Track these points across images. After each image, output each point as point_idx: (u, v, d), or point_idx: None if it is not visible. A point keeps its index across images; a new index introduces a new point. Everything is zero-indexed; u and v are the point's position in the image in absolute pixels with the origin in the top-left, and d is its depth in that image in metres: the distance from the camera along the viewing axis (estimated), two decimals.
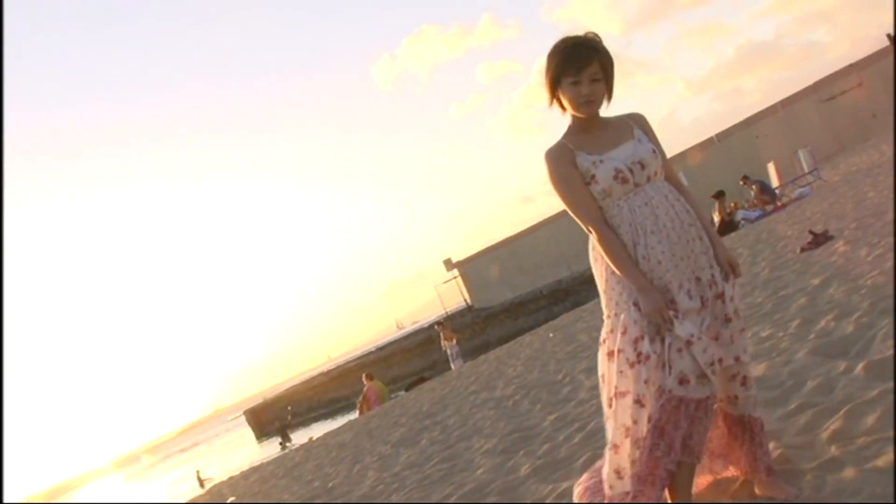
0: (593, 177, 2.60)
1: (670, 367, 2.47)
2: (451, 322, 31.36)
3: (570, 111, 2.65)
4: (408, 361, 38.39)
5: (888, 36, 25.86)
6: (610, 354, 2.62)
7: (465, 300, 39.68)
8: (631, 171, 2.60)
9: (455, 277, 38.86)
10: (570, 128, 2.70)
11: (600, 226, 2.59)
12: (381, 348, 42.83)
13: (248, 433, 44.73)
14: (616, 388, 2.57)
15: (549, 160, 2.65)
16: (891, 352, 3.46)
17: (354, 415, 18.46)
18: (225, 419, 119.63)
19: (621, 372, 2.55)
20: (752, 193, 16.01)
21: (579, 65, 2.55)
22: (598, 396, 5.27)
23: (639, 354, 2.51)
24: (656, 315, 2.48)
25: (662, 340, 2.50)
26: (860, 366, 3.48)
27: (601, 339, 2.69)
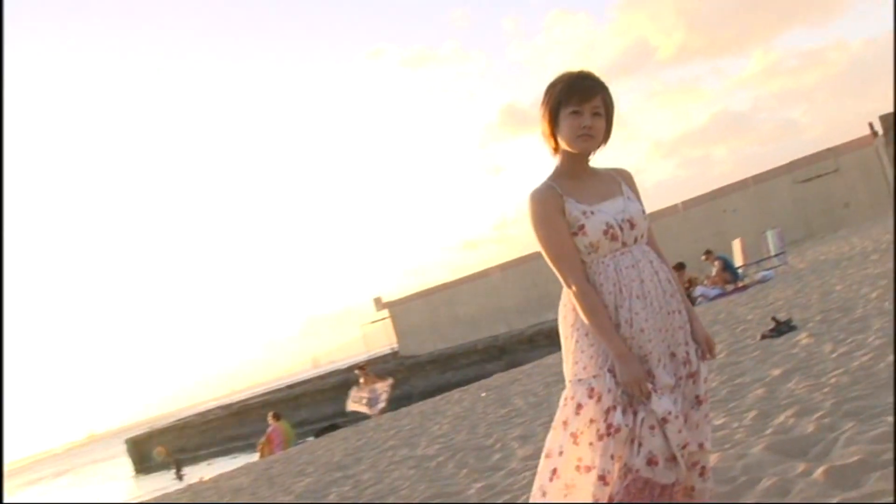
0: (582, 227, 2.60)
1: (640, 445, 2.48)
2: (373, 368, 31.08)
3: (563, 148, 2.66)
4: (319, 405, 37.86)
5: (870, 125, 27.17)
6: (583, 426, 2.59)
7: (392, 345, 39.50)
8: (621, 228, 2.62)
9: (384, 319, 38.69)
10: (557, 170, 2.70)
11: (582, 282, 2.59)
12: (291, 386, 42.20)
13: (127, 465, 43.28)
14: (580, 460, 2.56)
15: (535, 201, 2.63)
16: (854, 458, 3.53)
17: (254, 457, 18.05)
18: (103, 446, 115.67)
19: (590, 444, 2.54)
20: (714, 270, 16.41)
21: (583, 94, 2.58)
22: (532, 468, 5.25)
23: (609, 426, 2.50)
24: (634, 386, 2.48)
25: (635, 414, 2.50)
26: (820, 470, 3.54)
27: (562, 401, 2.67)
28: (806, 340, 6.99)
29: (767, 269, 16.69)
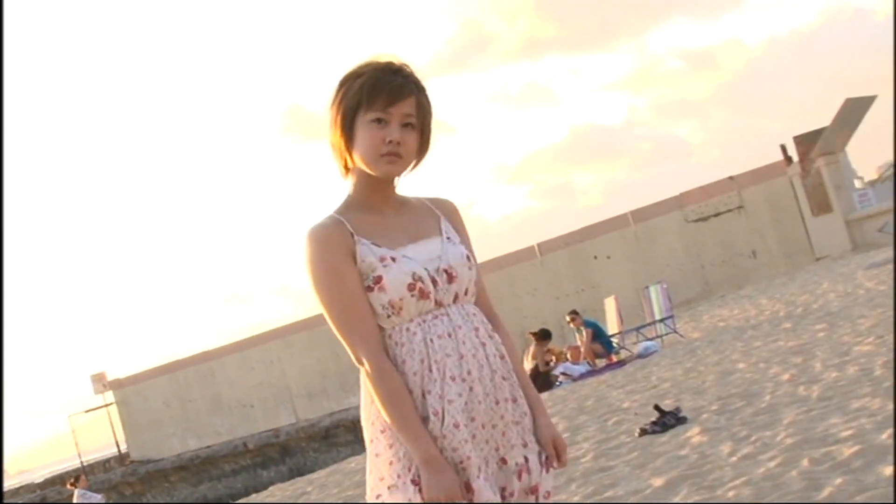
0: (378, 280, 2.59)
1: None
2: (93, 479, 29.96)
3: (359, 168, 2.66)
4: None
5: (782, 148, 29.04)
6: None
7: (117, 444, 38.21)
8: (434, 281, 2.63)
9: (107, 405, 37.41)
10: (350, 199, 2.71)
11: (378, 357, 2.58)
12: None
13: None
14: None
15: (315, 241, 2.62)
16: None
17: None
18: None
19: None
20: (579, 339, 17.00)
21: (390, 95, 2.58)
22: None
23: None
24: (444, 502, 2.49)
25: None
26: None
27: None
28: (698, 438, 7.32)
29: (650, 339, 17.42)
